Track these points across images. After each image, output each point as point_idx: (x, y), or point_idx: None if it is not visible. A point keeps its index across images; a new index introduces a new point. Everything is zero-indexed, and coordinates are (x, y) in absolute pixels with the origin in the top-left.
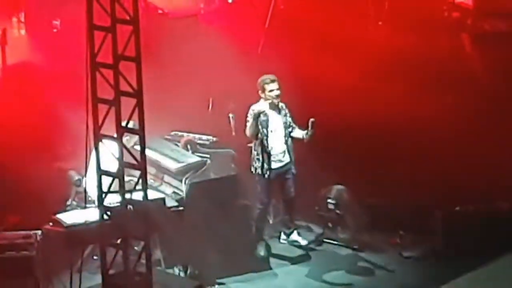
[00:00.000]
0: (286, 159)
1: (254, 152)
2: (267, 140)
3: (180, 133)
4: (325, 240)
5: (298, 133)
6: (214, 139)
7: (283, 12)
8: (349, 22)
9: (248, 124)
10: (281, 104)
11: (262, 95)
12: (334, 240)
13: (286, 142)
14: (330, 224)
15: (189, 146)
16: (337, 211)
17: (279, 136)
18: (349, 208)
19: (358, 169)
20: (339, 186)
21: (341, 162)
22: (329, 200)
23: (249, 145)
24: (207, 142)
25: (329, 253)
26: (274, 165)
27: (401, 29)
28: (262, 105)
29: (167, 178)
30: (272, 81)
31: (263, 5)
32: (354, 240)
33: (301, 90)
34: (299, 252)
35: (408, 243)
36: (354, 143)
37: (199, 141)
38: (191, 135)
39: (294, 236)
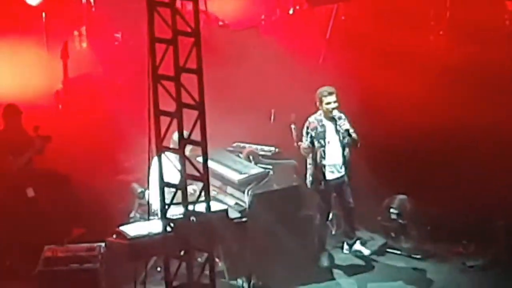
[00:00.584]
0: (343, 170)
1: (308, 164)
2: (324, 151)
3: (242, 144)
4: (388, 250)
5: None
6: (276, 150)
7: (344, 23)
8: (410, 31)
9: (304, 142)
10: (338, 115)
11: (320, 107)
12: (397, 250)
13: (343, 153)
14: (393, 234)
15: (251, 157)
16: (400, 221)
17: (335, 147)
18: (412, 217)
19: (421, 179)
20: (402, 196)
21: (404, 171)
22: (392, 210)
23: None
24: (269, 153)
25: (392, 263)
26: (330, 176)
27: (462, 38)
28: (318, 117)
29: (229, 189)
30: (330, 93)
31: (324, 16)
32: (417, 249)
33: (362, 100)
34: (362, 262)
35: (471, 252)
36: (416, 153)
37: (261, 152)
38: (253, 146)
39: (357, 246)
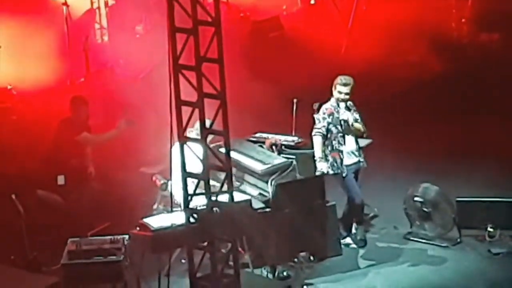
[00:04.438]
0: (359, 155)
1: (321, 153)
2: (343, 137)
3: (264, 135)
4: (412, 238)
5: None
6: (299, 139)
7: (365, 13)
8: (431, 19)
9: (319, 125)
10: (349, 102)
11: (334, 93)
12: (422, 238)
13: (356, 140)
14: (417, 222)
15: (274, 148)
16: (424, 209)
17: (352, 136)
18: (437, 205)
19: (445, 166)
20: (426, 184)
21: (428, 159)
22: (416, 198)
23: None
24: (292, 143)
25: (417, 251)
26: (349, 161)
27: (484, 26)
28: (333, 104)
29: (252, 180)
30: (345, 84)
31: (346, 6)
32: (442, 237)
33: (384, 88)
34: (387, 251)
35: (497, 239)
36: (442, 139)
37: (284, 142)
38: (276, 136)
39: (347, 240)
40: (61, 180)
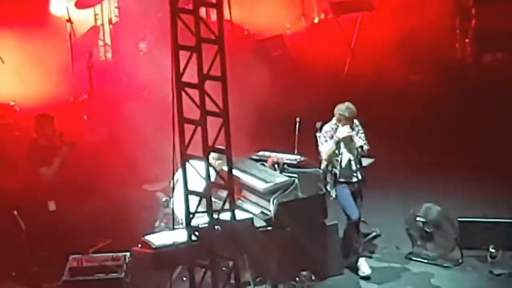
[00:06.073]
0: (358, 177)
1: (327, 172)
2: (341, 158)
3: (267, 153)
4: (414, 258)
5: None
6: (302, 158)
7: (369, 32)
8: (434, 39)
9: (325, 145)
10: (353, 130)
11: (335, 118)
12: (423, 258)
13: (357, 161)
14: (419, 242)
15: (276, 166)
16: (426, 229)
17: (350, 155)
18: (439, 225)
19: (448, 186)
20: (428, 204)
21: (430, 179)
22: (418, 218)
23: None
24: (294, 162)
25: (419, 271)
26: (344, 179)
27: (488, 46)
28: (333, 126)
29: (254, 198)
30: (347, 119)
31: (349, 25)
32: (443, 257)
33: (386, 107)
34: (389, 271)
35: (498, 260)
36: (445, 158)
37: (286, 161)
38: (278, 155)
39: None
40: (52, 206)
